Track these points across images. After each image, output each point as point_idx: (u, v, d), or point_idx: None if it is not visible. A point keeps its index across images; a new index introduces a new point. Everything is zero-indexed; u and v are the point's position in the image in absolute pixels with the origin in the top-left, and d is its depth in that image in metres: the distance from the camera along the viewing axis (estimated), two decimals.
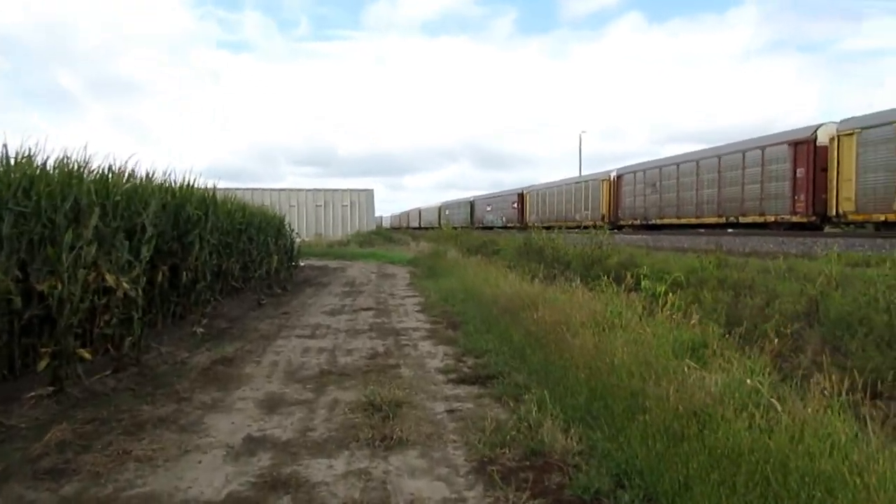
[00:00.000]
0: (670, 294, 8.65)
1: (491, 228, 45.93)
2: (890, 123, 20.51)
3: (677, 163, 31.03)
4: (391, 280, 17.22)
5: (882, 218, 20.78)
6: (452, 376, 6.42)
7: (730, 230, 26.73)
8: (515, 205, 48.00)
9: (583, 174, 44.32)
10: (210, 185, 12.32)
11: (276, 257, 14.66)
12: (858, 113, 22.51)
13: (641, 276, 12.52)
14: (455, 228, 31.41)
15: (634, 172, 34.32)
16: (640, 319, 6.70)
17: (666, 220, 31.49)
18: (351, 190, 37.63)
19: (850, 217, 22.14)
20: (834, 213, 22.70)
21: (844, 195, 22.20)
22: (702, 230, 27.66)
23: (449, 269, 16.07)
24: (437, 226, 61.89)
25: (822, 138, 23.47)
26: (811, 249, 17.24)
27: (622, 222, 35.13)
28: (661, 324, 6.43)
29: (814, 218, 23.80)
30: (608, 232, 14.66)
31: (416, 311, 11.06)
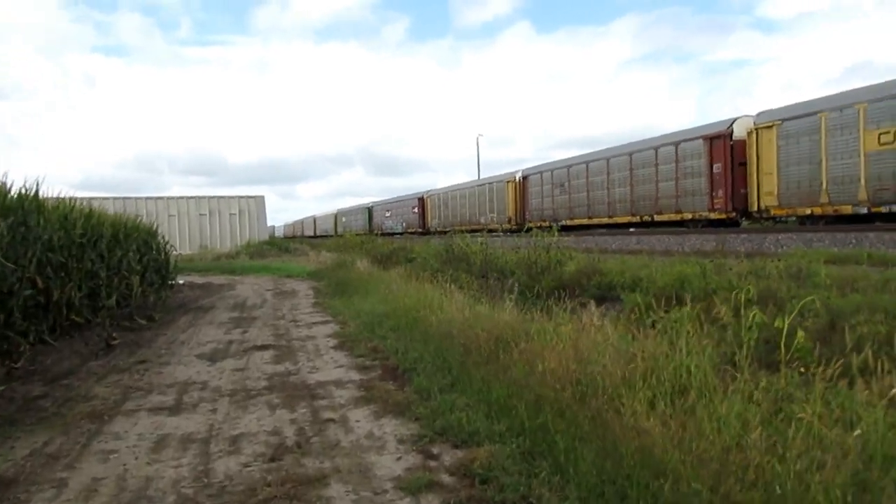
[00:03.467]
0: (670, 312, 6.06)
1: (391, 235, 42.76)
2: (813, 114, 19.18)
3: (586, 161, 29.18)
4: (291, 299, 13.74)
5: (808, 211, 19.42)
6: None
7: (644, 230, 25.01)
8: (416, 209, 45.04)
9: (484, 177, 42.07)
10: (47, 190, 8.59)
11: (136, 278, 10.92)
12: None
13: (620, 289, 9.91)
14: (358, 235, 28.09)
15: (541, 173, 32.25)
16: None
17: (577, 221, 29.57)
18: (239, 197, 33.28)
19: (773, 212, 20.75)
20: (755, 208, 21.28)
21: (766, 189, 20.80)
22: (632, 230, 25.80)
23: (362, 285, 12.83)
24: (333, 234, 57.97)
25: (739, 132, 22.06)
26: (761, 247, 15.36)
27: (530, 224, 32.94)
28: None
29: (733, 214, 22.37)
30: (557, 232, 11.97)
31: (333, 349, 7.80)
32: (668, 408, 3.82)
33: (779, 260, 8.81)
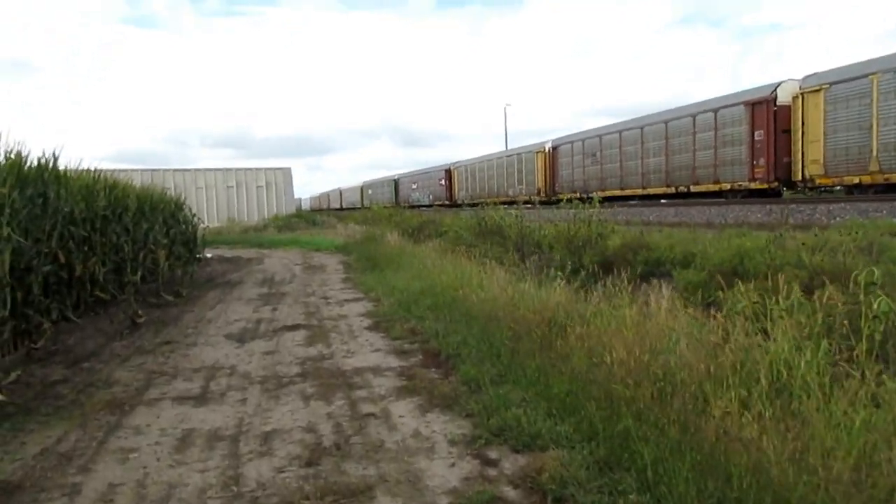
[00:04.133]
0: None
1: (418, 207, 42.16)
2: (864, 76, 18.06)
3: (619, 130, 28.17)
4: (321, 274, 13.28)
5: (856, 180, 18.41)
6: None
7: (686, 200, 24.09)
8: (443, 181, 44.31)
9: (512, 148, 41.14)
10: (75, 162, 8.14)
11: (162, 252, 10.50)
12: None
13: (669, 265, 9.23)
14: (385, 208, 27.55)
15: (572, 143, 31.29)
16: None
17: (609, 193, 28.65)
18: (266, 169, 32.84)
19: (819, 181, 19.76)
20: (799, 177, 20.28)
21: (811, 157, 19.78)
22: (664, 201, 24.91)
23: (394, 259, 12.30)
24: (359, 206, 57.55)
25: (783, 97, 20.95)
26: (812, 218, 14.51)
27: (560, 196, 32.09)
28: None
29: (775, 184, 21.38)
30: (598, 203, 11.28)
31: (368, 330, 7.29)
32: (767, 410, 3.23)
33: (848, 232, 8.05)
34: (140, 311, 8.46)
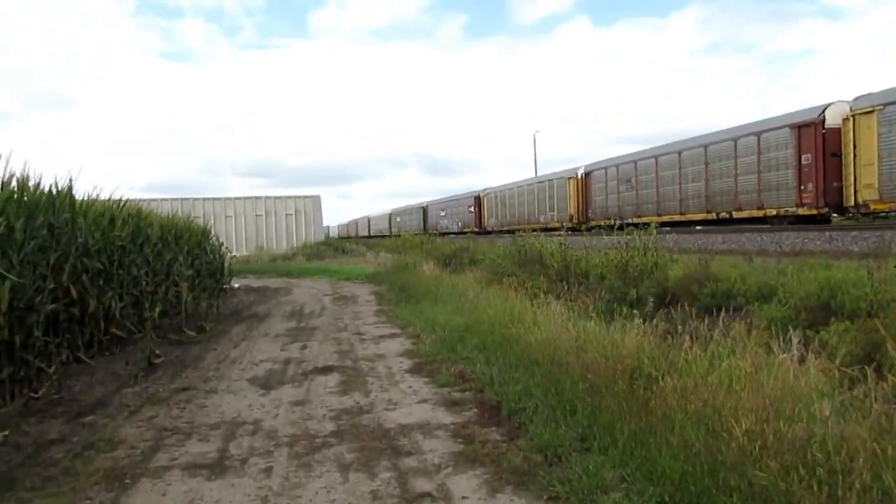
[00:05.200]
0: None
1: (446, 234, 41.37)
2: None
3: (655, 155, 27.15)
4: (352, 306, 12.42)
5: None
6: None
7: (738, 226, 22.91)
8: (472, 208, 43.46)
9: (542, 174, 40.26)
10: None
11: (185, 285, 9.73)
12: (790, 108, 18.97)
13: (742, 298, 8.20)
14: (416, 235, 26.78)
15: (605, 168, 30.31)
16: None
17: (644, 219, 27.52)
18: (296, 197, 32.36)
19: (874, 206, 18.50)
20: (852, 202, 19.05)
21: (865, 182, 18.56)
22: (698, 227, 23.78)
23: (430, 290, 11.40)
24: (387, 233, 56.96)
25: (832, 119, 19.82)
26: (880, 245, 13.31)
27: (593, 223, 31.08)
28: None
29: (825, 209, 20.15)
30: (654, 230, 10.31)
31: (409, 373, 6.36)
32: None
33: None
34: (158, 351, 7.64)
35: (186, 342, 8.84)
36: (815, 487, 2.66)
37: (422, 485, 3.59)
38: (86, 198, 8.16)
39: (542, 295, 7.97)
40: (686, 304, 8.59)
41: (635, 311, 5.82)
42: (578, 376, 4.84)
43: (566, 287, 11.03)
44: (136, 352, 7.81)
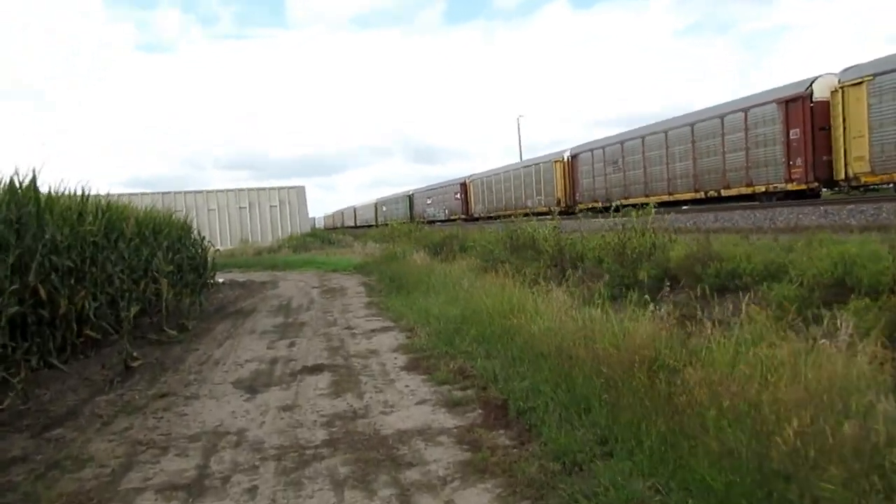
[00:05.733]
0: None
1: (433, 223, 40.86)
2: None
3: (642, 136, 26.79)
4: (341, 298, 11.93)
5: None
6: None
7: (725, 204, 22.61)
8: (458, 195, 42.93)
9: (528, 158, 39.82)
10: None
11: (165, 281, 9.20)
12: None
13: (749, 277, 7.82)
14: (403, 224, 26.24)
15: (592, 150, 29.91)
16: None
17: (632, 200, 27.21)
18: (279, 188, 31.65)
19: (865, 179, 18.26)
20: (842, 176, 18.80)
21: (855, 154, 18.32)
22: (685, 207, 23.46)
23: (422, 279, 10.94)
24: (373, 223, 56.34)
25: (819, 93, 19.53)
26: (877, 219, 13.01)
27: (580, 206, 30.71)
28: None
29: (814, 184, 19.91)
30: (653, 210, 9.90)
31: (405, 371, 5.91)
32: None
33: None
34: (135, 353, 7.13)
35: (167, 342, 8.34)
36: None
37: (427, 503, 3.16)
38: (51, 192, 7.61)
39: (541, 282, 7.53)
40: (689, 285, 8.23)
41: (646, 297, 5.38)
42: (590, 370, 4.42)
43: (562, 272, 10.64)
44: (112, 354, 7.31)
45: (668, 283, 8.79)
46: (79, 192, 8.51)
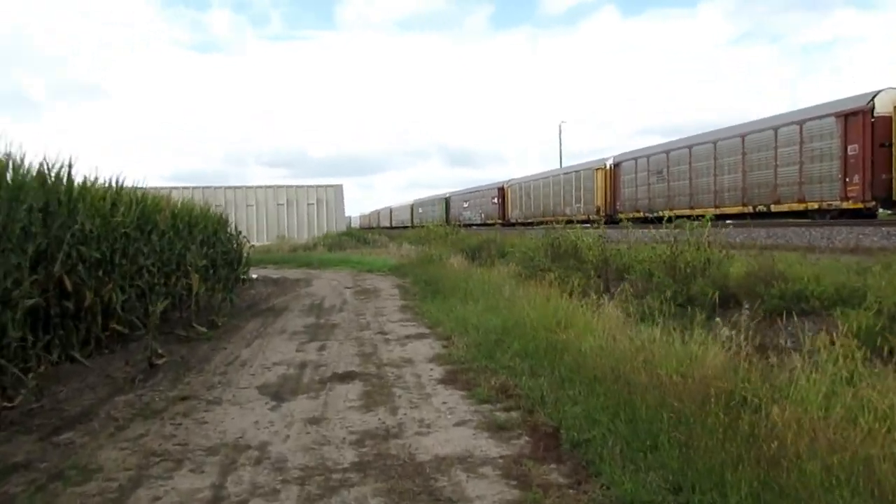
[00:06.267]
0: None
1: (469, 226, 40.37)
2: None
3: (689, 146, 25.91)
4: (375, 301, 11.54)
5: None
6: None
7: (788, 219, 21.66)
8: (496, 200, 42.38)
9: (568, 165, 39.07)
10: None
11: (196, 276, 8.90)
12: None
13: (817, 301, 7.16)
14: (439, 226, 25.82)
15: (636, 159, 29.09)
16: None
17: (676, 212, 26.33)
18: (318, 186, 31.55)
19: None
20: None
21: None
22: (729, 221, 22.58)
23: (459, 285, 10.47)
24: (409, 224, 56.08)
25: (882, 107, 18.54)
26: None
27: (621, 215, 29.89)
28: None
29: (871, 203, 18.90)
30: (709, 222, 9.27)
31: (442, 385, 5.44)
32: None
33: None
34: (161, 350, 6.81)
35: (195, 339, 8.02)
36: None
37: None
38: (86, 181, 7.35)
39: (591, 294, 6.99)
40: (750, 306, 7.61)
41: (718, 320, 4.82)
42: (655, 400, 3.89)
43: (606, 284, 10.07)
44: (138, 350, 7.00)
45: (723, 303, 8.19)
46: (114, 183, 8.25)
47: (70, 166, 6.77)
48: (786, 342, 4.50)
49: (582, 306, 6.47)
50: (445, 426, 4.32)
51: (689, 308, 7.21)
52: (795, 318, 5.40)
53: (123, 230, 7.53)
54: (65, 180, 6.77)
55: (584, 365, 4.92)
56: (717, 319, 4.87)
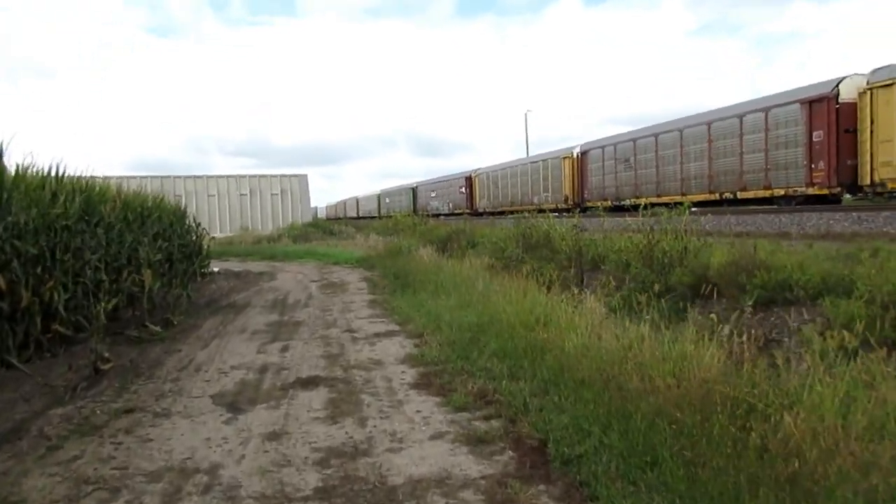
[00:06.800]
0: None
1: (437, 216, 39.89)
2: None
3: (655, 134, 25.83)
4: (342, 295, 11.02)
5: None
6: None
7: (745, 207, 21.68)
8: (463, 189, 41.93)
9: (535, 154, 38.83)
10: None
11: (148, 272, 8.28)
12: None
13: (801, 290, 6.90)
14: (407, 216, 25.29)
15: (603, 147, 28.94)
16: None
17: (644, 200, 26.27)
18: (282, 176, 30.66)
19: (891, 185, 17.37)
20: (868, 181, 17.94)
21: (882, 159, 17.46)
22: (694, 209, 22.59)
23: (430, 277, 10.02)
24: (376, 215, 55.37)
25: (846, 94, 18.60)
26: None
27: (589, 204, 29.77)
28: None
29: (837, 189, 19.03)
30: (687, 210, 8.97)
31: (415, 390, 5.00)
32: None
33: None
34: (107, 354, 6.22)
35: (148, 340, 7.43)
36: None
37: None
38: (19, 168, 6.70)
39: (571, 287, 6.62)
40: (729, 296, 7.34)
41: (713, 315, 4.46)
42: (650, 408, 3.52)
43: (580, 275, 9.74)
44: (83, 354, 6.39)
45: (704, 293, 7.91)
46: (54, 171, 7.59)
47: (1, 152, 6.13)
48: (790, 340, 4.16)
49: (561, 301, 6.08)
50: (420, 440, 3.88)
51: (665, 299, 6.92)
52: (764, 309, 5.08)
53: (65, 222, 6.90)
54: None
55: (569, 366, 4.53)
56: (713, 315, 4.50)
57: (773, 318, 6.74)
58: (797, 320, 6.55)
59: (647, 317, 4.84)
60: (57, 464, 3.73)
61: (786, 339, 6.13)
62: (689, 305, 7.37)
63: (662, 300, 6.62)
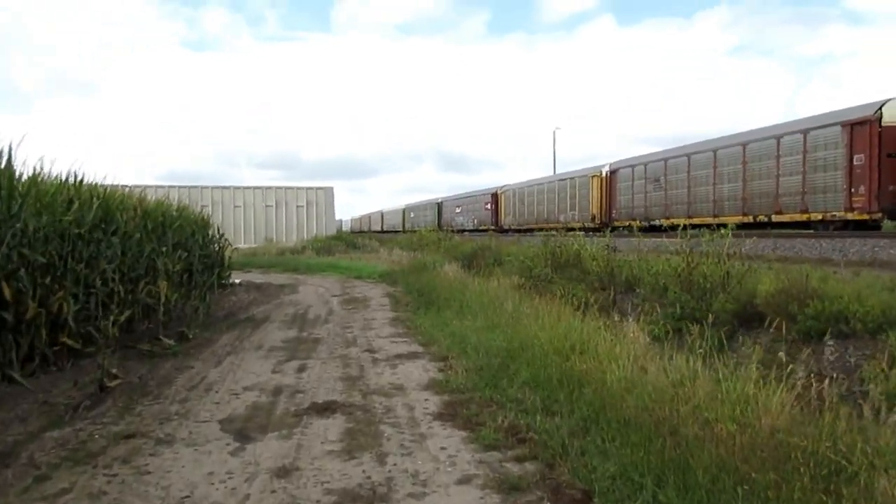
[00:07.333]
0: None
1: (461, 232, 39.52)
2: None
3: (688, 154, 25.20)
4: (363, 311, 10.62)
5: None
6: None
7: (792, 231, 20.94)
8: (489, 206, 41.52)
9: (562, 172, 38.32)
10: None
11: (164, 283, 7.97)
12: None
13: (860, 323, 6.32)
14: (432, 231, 24.93)
15: (633, 166, 28.35)
16: None
17: (674, 221, 25.62)
18: (307, 188, 30.56)
19: None
20: None
21: None
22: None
23: (455, 295, 9.59)
24: (400, 229, 55.18)
25: (890, 117, 17.89)
26: None
27: (617, 223, 29.17)
28: None
29: (878, 214, 18.24)
30: (729, 232, 8.43)
31: (439, 421, 4.54)
32: None
33: None
34: (115, 370, 5.88)
35: (160, 354, 7.09)
36: None
37: None
38: (35, 174, 6.43)
39: (612, 313, 6.14)
40: (778, 326, 6.80)
41: (781, 354, 3.97)
42: (712, 460, 3.03)
43: (612, 297, 9.23)
44: (91, 368, 6.07)
45: (746, 322, 7.38)
46: (72, 178, 7.34)
47: (10, 158, 5.86)
48: (844, 376, 3.64)
49: (599, 327, 5.61)
50: (445, 484, 3.43)
51: (708, 326, 6.41)
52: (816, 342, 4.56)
53: (77, 230, 6.61)
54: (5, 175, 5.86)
55: (611, 403, 4.06)
56: (783, 355, 4.00)
57: (828, 354, 6.19)
58: (855, 355, 6.02)
59: (700, 350, 4.34)
60: (42, 499, 3.34)
61: (840, 376, 5.58)
62: (734, 335, 6.86)
63: (699, 324, 6.15)
